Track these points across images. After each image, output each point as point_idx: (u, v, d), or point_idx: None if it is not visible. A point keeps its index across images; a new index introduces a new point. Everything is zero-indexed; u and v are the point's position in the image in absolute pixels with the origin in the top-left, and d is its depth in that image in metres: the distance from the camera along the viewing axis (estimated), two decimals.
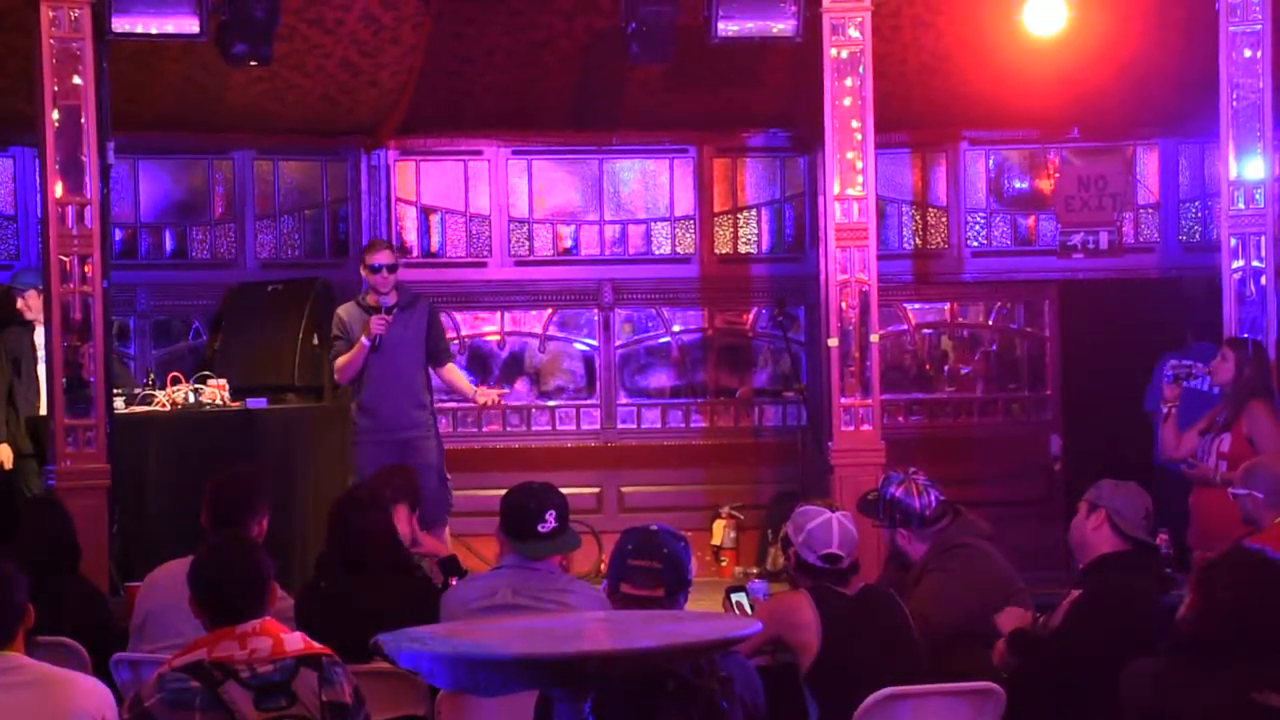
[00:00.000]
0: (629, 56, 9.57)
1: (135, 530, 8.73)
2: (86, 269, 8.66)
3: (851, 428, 9.15)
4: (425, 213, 11.15)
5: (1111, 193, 10.95)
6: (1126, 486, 5.70)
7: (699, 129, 11.11)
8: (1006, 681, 5.41)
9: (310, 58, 10.30)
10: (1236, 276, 9.04)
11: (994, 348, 11.27)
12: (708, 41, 9.27)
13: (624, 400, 11.18)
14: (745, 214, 11.28)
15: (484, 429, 11.06)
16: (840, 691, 5.22)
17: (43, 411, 9.22)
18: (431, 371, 9.10)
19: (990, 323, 11.25)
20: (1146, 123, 10.98)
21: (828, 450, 9.21)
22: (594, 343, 11.22)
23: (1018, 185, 11.18)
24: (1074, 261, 11.00)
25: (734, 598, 6.36)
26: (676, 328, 11.30)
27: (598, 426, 11.15)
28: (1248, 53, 9.01)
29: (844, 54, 9.14)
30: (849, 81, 9.13)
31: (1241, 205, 9.06)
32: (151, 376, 9.80)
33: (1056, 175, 11.06)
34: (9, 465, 9.46)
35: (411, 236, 11.13)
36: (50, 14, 8.58)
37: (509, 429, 11.10)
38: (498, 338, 11.26)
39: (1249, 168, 9.04)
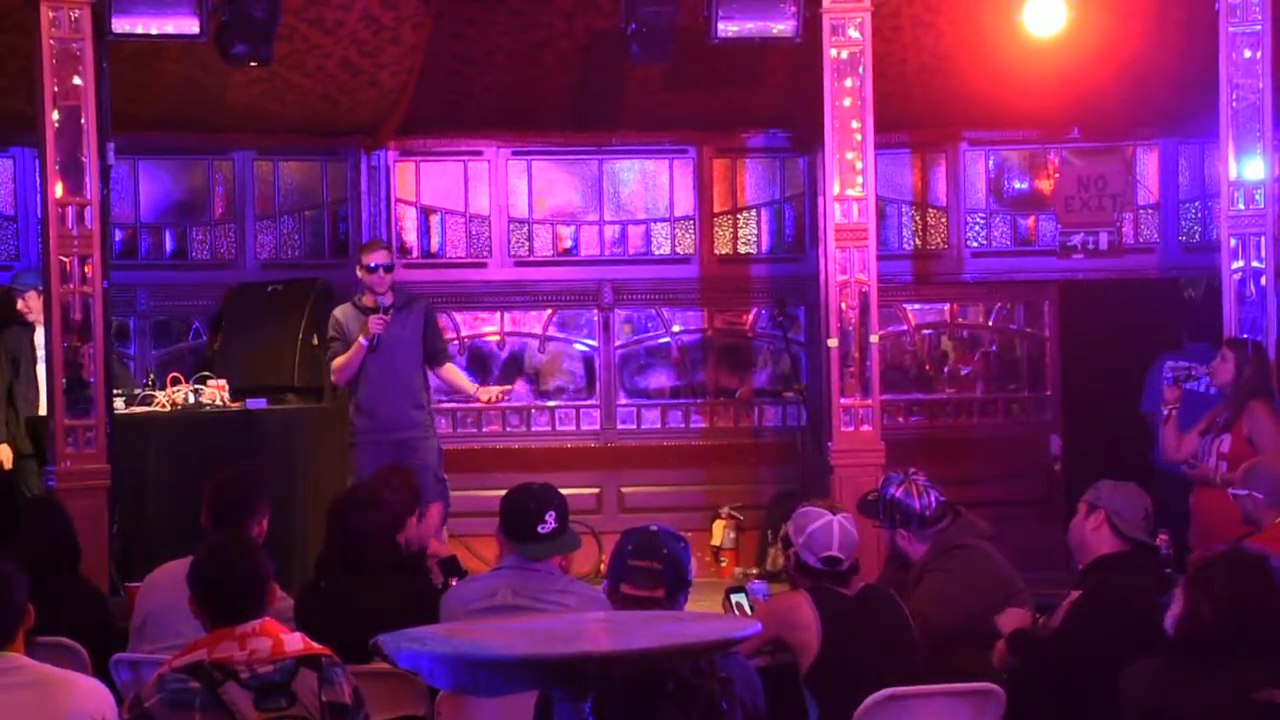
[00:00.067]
0: (629, 56, 9.58)
1: (135, 530, 8.74)
2: (86, 269, 8.67)
3: (851, 428, 9.15)
4: (425, 213, 11.15)
5: (1111, 193, 10.95)
6: (1126, 487, 5.70)
7: (699, 129, 11.11)
8: (1006, 682, 5.41)
9: (310, 58, 10.30)
10: (1236, 277, 9.04)
11: (994, 348, 11.27)
12: (708, 42, 9.27)
13: (624, 401, 11.19)
14: (745, 214, 11.28)
15: (484, 429, 11.07)
16: (840, 692, 5.22)
17: (42, 412, 9.23)
18: (431, 373, 9.10)
19: (990, 323, 11.25)
20: (1146, 123, 10.98)
21: (827, 451, 9.21)
22: (594, 343, 11.22)
23: (1017, 185, 11.19)
24: (1074, 262, 11.00)
25: (734, 598, 6.37)
26: (676, 328, 11.30)
27: (597, 427, 11.15)
28: (1247, 53, 9.01)
29: (844, 54, 9.14)
30: (849, 82, 9.13)
31: (1241, 206, 9.06)
32: (151, 377, 9.81)
33: (1056, 175, 11.06)
34: (9, 465, 9.47)
35: (411, 237, 11.13)
36: (50, 14, 8.58)
37: (509, 429, 11.11)
38: (497, 338, 11.26)
39: (1249, 168, 9.04)
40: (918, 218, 11.09)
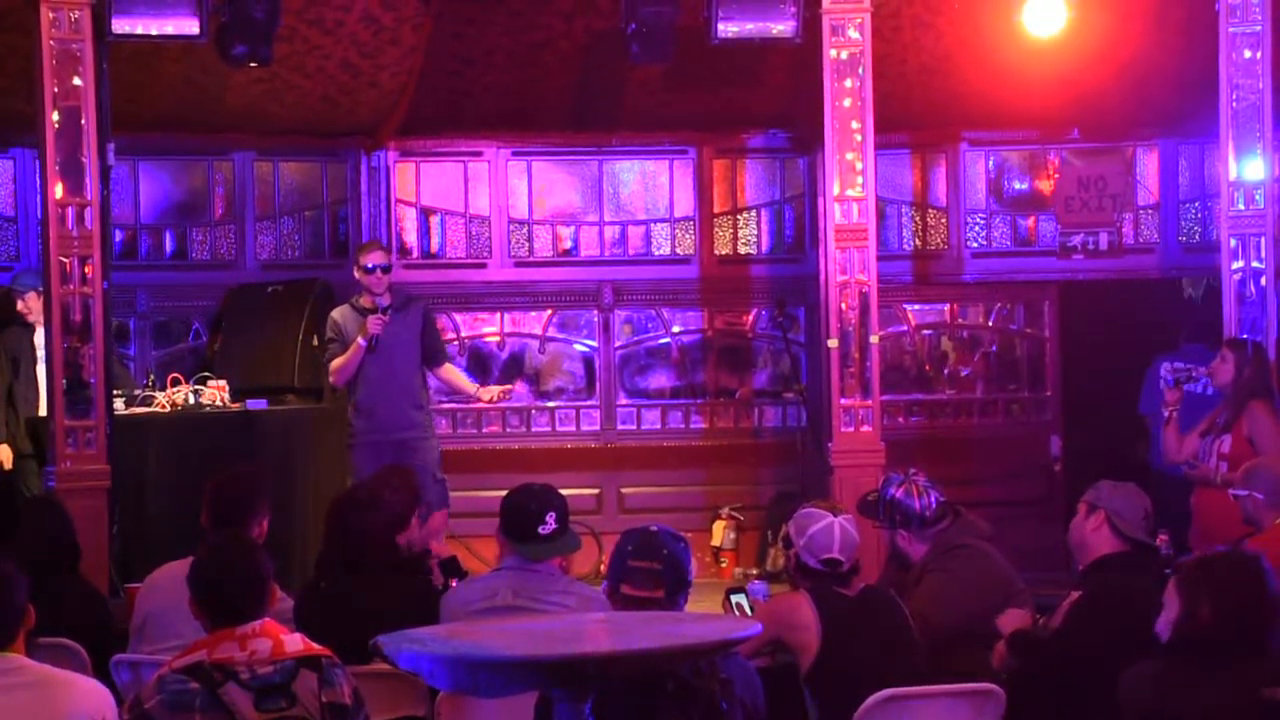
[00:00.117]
0: (629, 57, 9.58)
1: (135, 531, 8.74)
2: (86, 270, 8.67)
3: (851, 429, 9.15)
4: (425, 214, 11.16)
5: (1111, 193, 10.96)
6: (1125, 487, 5.70)
7: (699, 130, 11.11)
8: (1006, 682, 5.41)
9: (310, 59, 10.30)
10: (1236, 277, 9.04)
11: (994, 348, 11.27)
12: (708, 42, 9.28)
13: (624, 401, 11.19)
14: (745, 215, 11.28)
15: (484, 430, 11.07)
16: (840, 692, 5.22)
17: (42, 412, 9.23)
18: (430, 373, 9.09)
19: (990, 323, 11.25)
20: (1146, 123, 10.98)
21: (827, 451, 9.21)
22: (594, 344, 11.22)
23: (1017, 186, 11.19)
24: (1074, 262, 11.00)
25: (733, 599, 6.37)
26: (676, 329, 11.30)
27: (597, 427, 11.15)
28: (1247, 53, 9.01)
29: (844, 55, 9.14)
30: (849, 82, 9.13)
31: (1241, 206, 9.06)
32: (151, 377, 9.81)
33: (1056, 176, 11.06)
34: (9, 466, 9.47)
35: (411, 238, 11.13)
36: (50, 15, 8.58)
37: (509, 430, 11.11)
38: (497, 339, 11.26)
39: (1249, 168, 9.04)
40: (918, 218, 11.09)
